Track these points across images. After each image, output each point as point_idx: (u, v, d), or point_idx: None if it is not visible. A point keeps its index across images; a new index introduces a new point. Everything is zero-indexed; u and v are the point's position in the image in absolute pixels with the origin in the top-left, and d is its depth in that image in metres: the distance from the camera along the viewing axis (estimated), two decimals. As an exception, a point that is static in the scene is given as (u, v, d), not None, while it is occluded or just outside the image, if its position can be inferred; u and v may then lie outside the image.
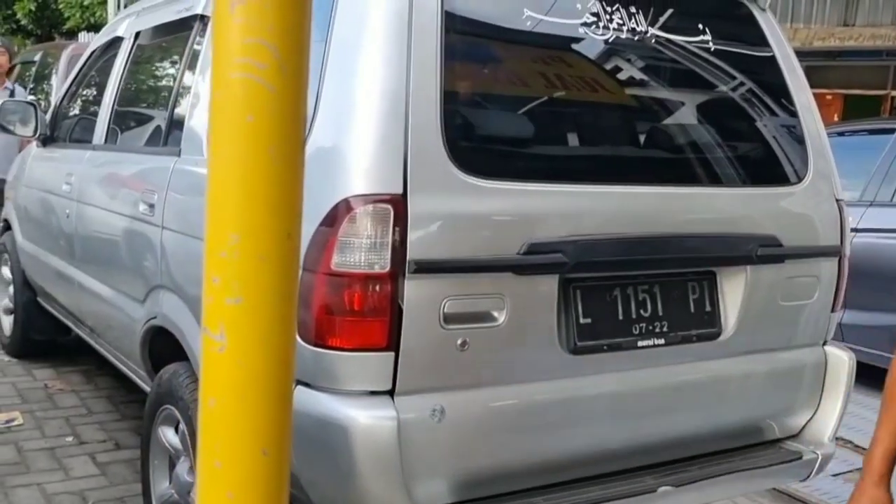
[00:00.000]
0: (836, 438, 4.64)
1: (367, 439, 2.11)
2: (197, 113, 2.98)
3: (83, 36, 17.61)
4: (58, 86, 7.51)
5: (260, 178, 0.77)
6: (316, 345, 2.16)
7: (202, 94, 2.98)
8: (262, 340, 0.77)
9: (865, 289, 5.33)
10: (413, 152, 2.12)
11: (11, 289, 5.23)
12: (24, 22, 19.59)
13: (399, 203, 2.10)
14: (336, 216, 2.12)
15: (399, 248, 2.10)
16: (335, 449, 2.14)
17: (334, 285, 2.13)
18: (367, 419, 2.11)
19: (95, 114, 4.10)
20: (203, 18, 3.14)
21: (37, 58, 9.39)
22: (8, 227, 5.35)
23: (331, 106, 2.26)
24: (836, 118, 15.57)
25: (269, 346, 0.77)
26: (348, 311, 2.12)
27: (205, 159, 2.83)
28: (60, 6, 18.08)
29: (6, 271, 5.33)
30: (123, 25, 4.15)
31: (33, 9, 18.86)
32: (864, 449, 4.43)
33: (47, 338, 5.20)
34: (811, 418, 2.96)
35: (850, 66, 16.38)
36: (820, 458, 2.86)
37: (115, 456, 3.94)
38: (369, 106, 2.15)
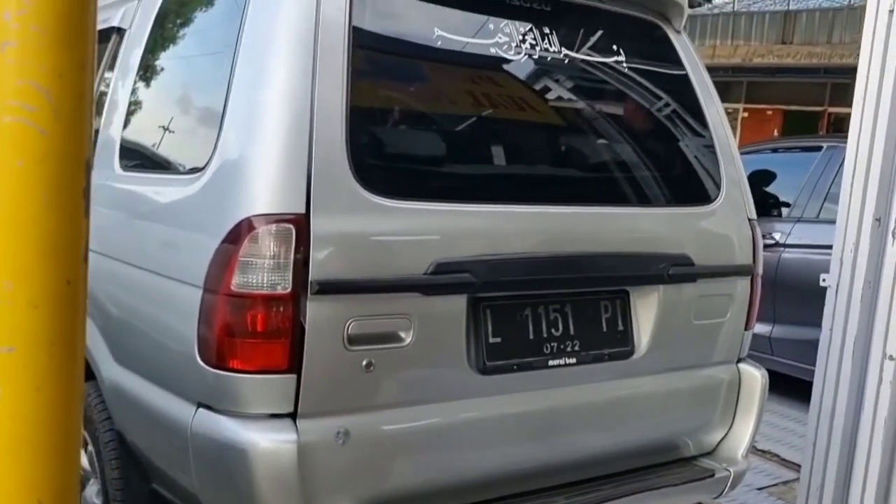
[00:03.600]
0: (763, 452, 4.76)
1: (266, 463, 2.07)
2: (111, 128, 2.92)
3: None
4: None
5: (31, 224, 0.74)
6: (217, 367, 2.13)
7: (119, 109, 2.92)
8: (37, 391, 0.73)
9: (793, 304, 5.44)
10: (317, 172, 2.10)
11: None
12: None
13: (301, 223, 2.08)
14: (238, 235, 2.09)
15: (301, 268, 2.08)
16: (235, 472, 2.10)
17: (235, 306, 2.10)
18: (266, 443, 2.08)
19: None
20: (119, 31, 3.09)
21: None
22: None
23: (235, 123, 2.23)
24: (776, 133, 15.92)
25: (47, 397, 0.74)
26: (249, 332, 2.09)
27: (117, 175, 2.82)
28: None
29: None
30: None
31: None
32: (791, 463, 4.51)
33: None
34: (725, 435, 3.00)
35: (789, 83, 16.79)
36: (732, 475, 2.89)
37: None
38: (272, 125, 2.13)
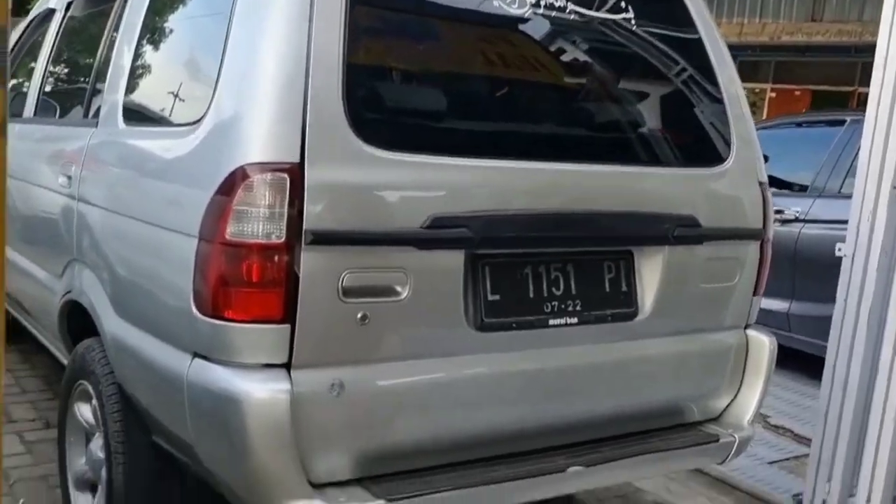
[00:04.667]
0: (777, 427, 4.71)
1: (260, 413, 2.07)
2: (115, 84, 2.92)
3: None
4: None
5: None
6: (213, 316, 2.12)
7: (124, 66, 2.92)
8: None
9: (812, 279, 5.35)
10: (312, 121, 2.08)
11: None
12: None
13: (296, 172, 2.06)
14: (232, 184, 2.08)
15: (296, 218, 2.07)
16: (229, 422, 2.10)
17: (230, 255, 2.09)
18: (260, 392, 2.07)
19: (27, 87, 4.03)
20: None
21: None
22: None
23: (231, 76, 2.22)
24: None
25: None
26: (244, 282, 2.09)
27: (120, 130, 2.82)
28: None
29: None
30: (57, -3, 4.08)
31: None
32: (804, 438, 4.45)
33: None
34: (731, 402, 2.96)
35: (819, 62, 16.46)
36: (738, 441, 2.85)
37: (43, 435, 3.88)
38: (268, 74, 2.11)
